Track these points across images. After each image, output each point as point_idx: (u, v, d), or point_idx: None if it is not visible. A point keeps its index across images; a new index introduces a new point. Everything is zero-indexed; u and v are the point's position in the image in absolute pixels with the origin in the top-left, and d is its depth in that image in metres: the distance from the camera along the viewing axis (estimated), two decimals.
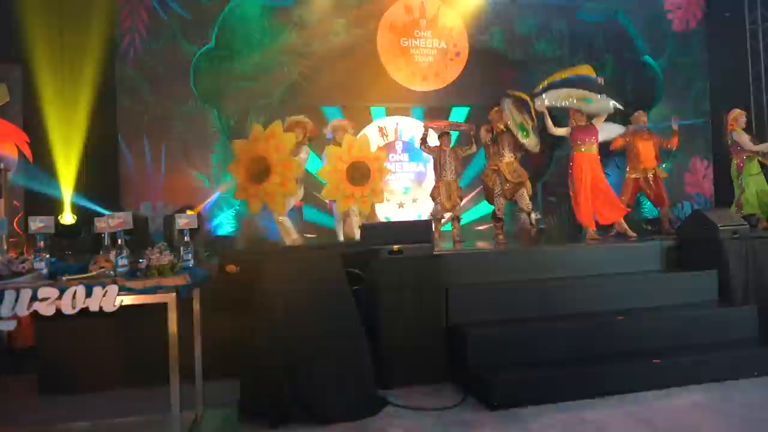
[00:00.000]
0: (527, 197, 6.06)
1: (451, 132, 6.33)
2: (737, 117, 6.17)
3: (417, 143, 6.46)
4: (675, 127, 6.20)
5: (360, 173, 5.83)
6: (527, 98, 5.84)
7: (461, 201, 6.30)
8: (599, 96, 5.52)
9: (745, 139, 6.04)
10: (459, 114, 8.17)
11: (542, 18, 8.28)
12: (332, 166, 5.79)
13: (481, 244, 6.17)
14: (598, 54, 8.36)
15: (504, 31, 8.16)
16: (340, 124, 6.20)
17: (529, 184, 6.10)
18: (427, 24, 7.92)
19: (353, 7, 7.68)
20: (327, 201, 6.34)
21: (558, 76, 5.68)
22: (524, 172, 6.03)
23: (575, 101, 5.54)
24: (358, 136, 6.45)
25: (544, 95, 5.56)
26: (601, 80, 5.70)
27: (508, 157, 6.05)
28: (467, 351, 3.80)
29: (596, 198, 5.76)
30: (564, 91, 5.48)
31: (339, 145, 5.93)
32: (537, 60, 8.22)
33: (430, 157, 6.31)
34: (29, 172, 5.66)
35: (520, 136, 5.87)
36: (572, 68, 5.92)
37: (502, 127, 5.97)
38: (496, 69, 8.20)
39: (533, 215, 6.12)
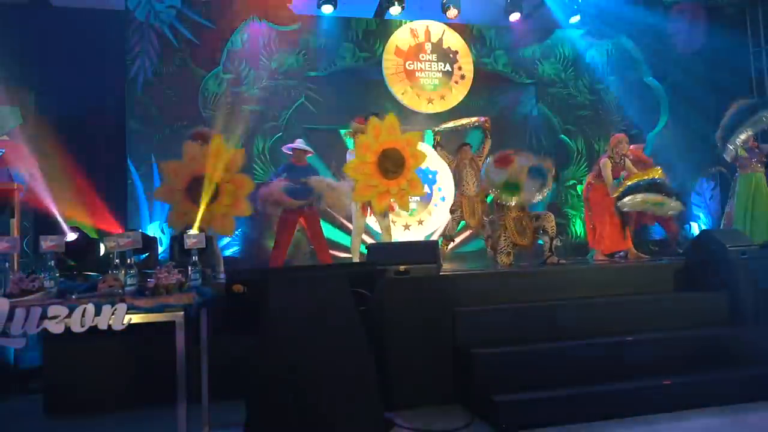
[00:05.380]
0: (553, 220, 5.37)
1: (471, 143, 6.03)
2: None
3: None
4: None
5: (392, 162, 4.90)
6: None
7: (487, 218, 5.53)
8: (671, 198, 5.52)
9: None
10: None
11: (546, 41, 8.39)
12: (360, 159, 4.93)
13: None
14: (602, 76, 8.44)
15: (508, 54, 8.26)
16: (361, 126, 5.33)
17: (551, 217, 5.35)
18: (432, 47, 8.03)
19: (359, 31, 7.81)
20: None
21: (636, 179, 5.62)
22: (535, 223, 5.31)
23: (651, 206, 5.53)
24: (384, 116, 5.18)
25: (624, 199, 5.52)
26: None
27: (515, 209, 5.28)
28: (475, 372, 3.76)
29: (611, 225, 5.76)
30: (641, 196, 5.46)
31: None
32: (541, 82, 8.31)
33: (437, 174, 6.18)
34: (39, 192, 5.73)
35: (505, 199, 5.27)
36: (645, 172, 5.75)
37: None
38: (500, 91, 8.31)
39: (556, 241, 5.41)
